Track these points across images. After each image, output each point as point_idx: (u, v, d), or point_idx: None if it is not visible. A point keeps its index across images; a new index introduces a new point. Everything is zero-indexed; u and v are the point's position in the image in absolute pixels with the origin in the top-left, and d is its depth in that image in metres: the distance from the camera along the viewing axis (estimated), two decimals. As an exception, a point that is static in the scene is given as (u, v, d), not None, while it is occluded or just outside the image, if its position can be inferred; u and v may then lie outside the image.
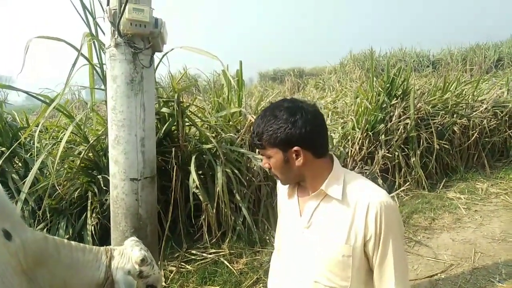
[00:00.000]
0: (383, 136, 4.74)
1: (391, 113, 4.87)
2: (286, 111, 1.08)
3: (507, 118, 5.85)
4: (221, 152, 3.22)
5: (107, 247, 1.44)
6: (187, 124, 3.47)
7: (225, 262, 3.04)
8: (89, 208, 3.00)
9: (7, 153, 2.90)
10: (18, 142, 3.12)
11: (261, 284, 2.82)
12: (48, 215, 2.91)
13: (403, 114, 4.87)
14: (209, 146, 3.40)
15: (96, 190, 3.07)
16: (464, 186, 4.92)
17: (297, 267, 1.20)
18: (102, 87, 3.00)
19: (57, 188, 2.87)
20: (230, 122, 3.87)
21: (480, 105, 5.71)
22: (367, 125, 4.76)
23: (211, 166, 3.34)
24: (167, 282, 2.81)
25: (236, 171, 3.35)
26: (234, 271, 2.95)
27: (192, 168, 3.13)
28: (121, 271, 1.36)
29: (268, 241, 3.38)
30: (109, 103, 2.17)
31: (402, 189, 4.61)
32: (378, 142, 4.75)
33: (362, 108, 4.95)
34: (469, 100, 5.80)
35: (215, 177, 3.23)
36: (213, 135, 3.58)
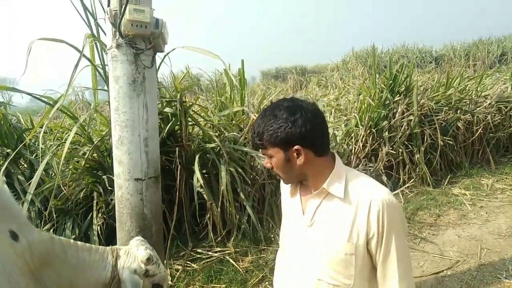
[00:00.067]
0: (386, 133, 4.73)
1: (394, 110, 4.85)
2: (286, 110, 1.09)
3: (512, 113, 5.81)
4: (225, 151, 3.23)
5: (113, 247, 1.45)
6: (190, 123, 3.47)
7: (231, 260, 3.05)
8: (94, 208, 3.02)
9: (13, 155, 2.92)
10: (23, 143, 3.14)
11: (266, 282, 2.83)
12: (54, 215, 2.93)
13: (406, 110, 4.85)
14: (213, 145, 3.40)
15: (101, 190, 3.09)
16: (469, 182, 4.89)
17: (300, 265, 1.20)
18: (105, 88, 3.01)
19: (63, 188, 2.89)
20: (233, 121, 3.88)
21: (484, 101, 5.67)
22: (370, 122, 4.74)
23: (215, 165, 3.35)
24: (173, 281, 2.83)
25: (240, 170, 3.36)
26: (240, 269, 2.96)
27: (196, 167, 3.14)
28: (127, 270, 1.37)
29: (273, 239, 3.38)
30: (112, 104, 2.18)
31: (406, 186, 4.60)
32: (381, 139, 4.74)
33: (365, 105, 4.93)
34: (473, 96, 5.77)
35: (219, 176, 3.24)
36: (216, 134, 3.59)
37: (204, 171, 3.43)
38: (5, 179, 2.87)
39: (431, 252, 3.25)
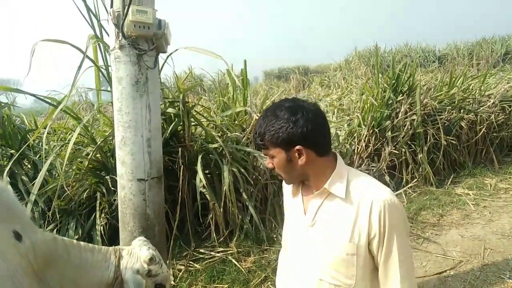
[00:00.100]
0: (389, 132, 4.71)
1: (397, 110, 4.83)
2: (287, 110, 1.09)
3: (516, 113, 5.78)
4: (227, 151, 3.24)
5: (116, 247, 1.46)
6: (193, 124, 3.48)
7: (233, 260, 3.05)
8: (97, 208, 3.03)
9: (16, 155, 2.94)
10: (26, 144, 3.16)
11: (269, 282, 2.83)
12: (58, 216, 2.95)
13: (409, 110, 4.83)
14: (215, 145, 3.41)
15: (104, 190, 3.10)
16: (472, 182, 4.87)
17: (302, 265, 1.20)
18: (109, 88, 3.03)
19: (66, 189, 2.91)
20: (236, 121, 3.88)
21: (488, 100, 5.64)
22: (373, 122, 4.73)
23: (217, 166, 3.35)
24: (175, 281, 2.84)
25: (243, 170, 3.36)
26: (242, 269, 2.96)
27: (199, 167, 3.15)
28: (130, 270, 1.38)
29: (275, 239, 3.38)
30: (115, 105, 2.19)
31: (409, 185, 4.58)
32: (384, 139, 4.73)
33: (368, 105, 4.92)
34: (476, 95, 5.74)
35: (221, 176, 3.25)
36: (219, 134, 3.60)
37: (207, 171, 3.44)
38: (9, 179, 2.89)
39: (434, 252, 3.24)
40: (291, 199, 1.28)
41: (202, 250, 3.20)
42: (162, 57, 2.97)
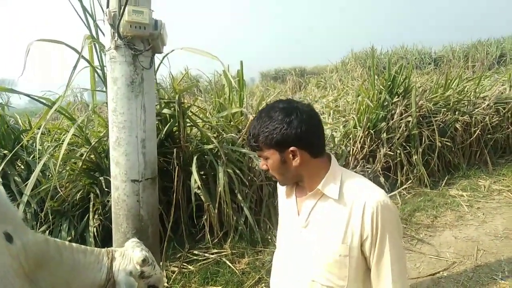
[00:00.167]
0: (384, 134, 4.74)
1: (393, 111, 4.86)
2: (281, 112, 1.09)
3: (510, 115, 5.82)
4: (223, 152, 3.23)
5: (109, 248, 1.44)
6: (188, 125, 3.48)
7: (227, 262, 3.05)
8: (91, 209, 3.01)
9: (10, 156, 2.92)
10: (20, 144, 3.14)
11: (263, 284, 2.83)
12: (50, 217, 2.93)
13: (404, 112, 4.86)
14: (211, 146, 3.40)
15: (98, 191, 3.08)
16: (466, 183, 4.90)
17: (295, 266, 1.20)
18: (104, 89, 3.01)
19: (59, 190, 2.89)
20: (232, 122, 3.88)
21: (482, 102, 5.68)
22: (368, 124, 4.75)
23: (212, 167, 3.35)
24: (169, 283, 2.83)
25: (238, 171, 3.36)
26: (236, 271, 2.96)
27: (194, 168, 3.14)
28: (123, 272, 1.37)
29: (270, 240, 3.38)
30: (109, 105, 2.18)
31: (404, 187, 4.60)
32: (379, 140, 4.75)
33: (364, 106, 4.94)
34: (471, 97, 5.78)
35: (216, 177, 3.24)
36: (215, 135, 3.59)
37: (202, 173, 3.43)
38: (1, 180, 2.87)
39: (428, 253, 3.25)
40: (285, 200, 1.28)
41: (196, 252, 3.19)
42: (158, 57, 2.97)
